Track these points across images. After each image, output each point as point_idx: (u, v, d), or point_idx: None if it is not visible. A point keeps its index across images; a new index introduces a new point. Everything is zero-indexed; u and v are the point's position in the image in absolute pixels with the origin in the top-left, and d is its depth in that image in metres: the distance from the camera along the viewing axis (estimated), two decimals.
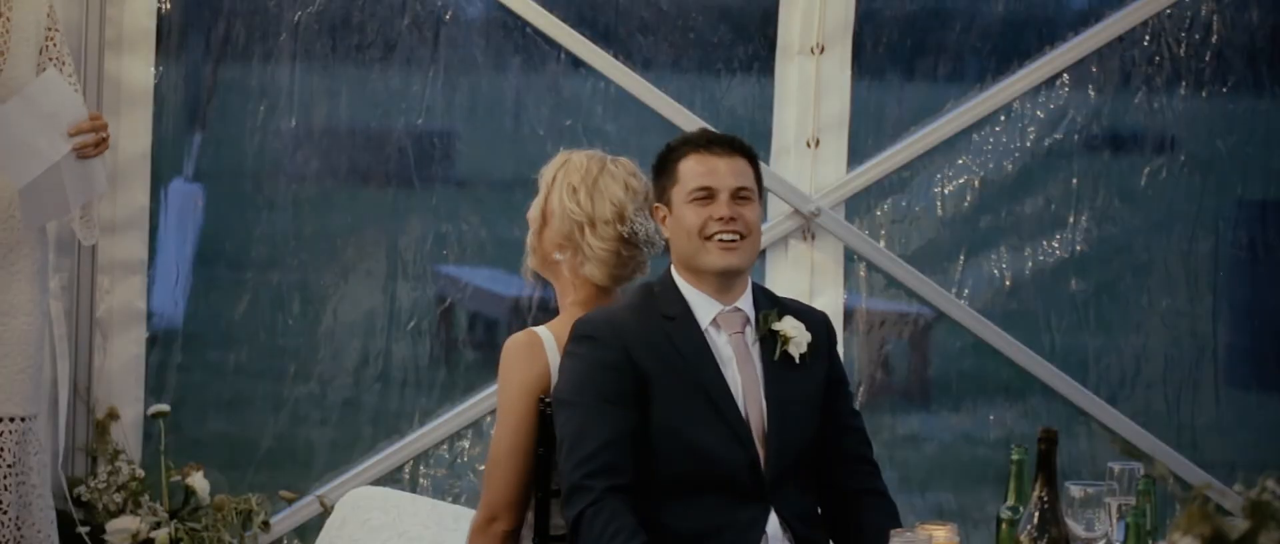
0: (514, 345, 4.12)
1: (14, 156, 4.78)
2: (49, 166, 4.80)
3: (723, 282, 4.05)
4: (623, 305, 4.08)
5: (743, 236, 4.01)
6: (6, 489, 4.94)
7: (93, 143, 4.85)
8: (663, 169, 4.09)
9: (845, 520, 4.11)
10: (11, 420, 4.96)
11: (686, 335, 4.01)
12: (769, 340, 4.05)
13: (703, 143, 4.08)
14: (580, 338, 3.99)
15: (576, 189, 4.17)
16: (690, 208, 4.01)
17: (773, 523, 3.98)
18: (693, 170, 4.03)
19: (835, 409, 4.12)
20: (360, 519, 4.43)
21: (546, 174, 4.26)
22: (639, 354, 3.96)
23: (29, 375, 4.99)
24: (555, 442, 4.00)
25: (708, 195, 4.01)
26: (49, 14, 4.99)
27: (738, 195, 4.02)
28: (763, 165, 4.25)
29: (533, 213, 4.27)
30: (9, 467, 4.93)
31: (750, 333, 4.06)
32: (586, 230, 4.16)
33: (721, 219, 3.99)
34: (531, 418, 4.08)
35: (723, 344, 4.03)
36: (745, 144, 4.11)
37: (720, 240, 4.00)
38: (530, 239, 4.28)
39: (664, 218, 4.08)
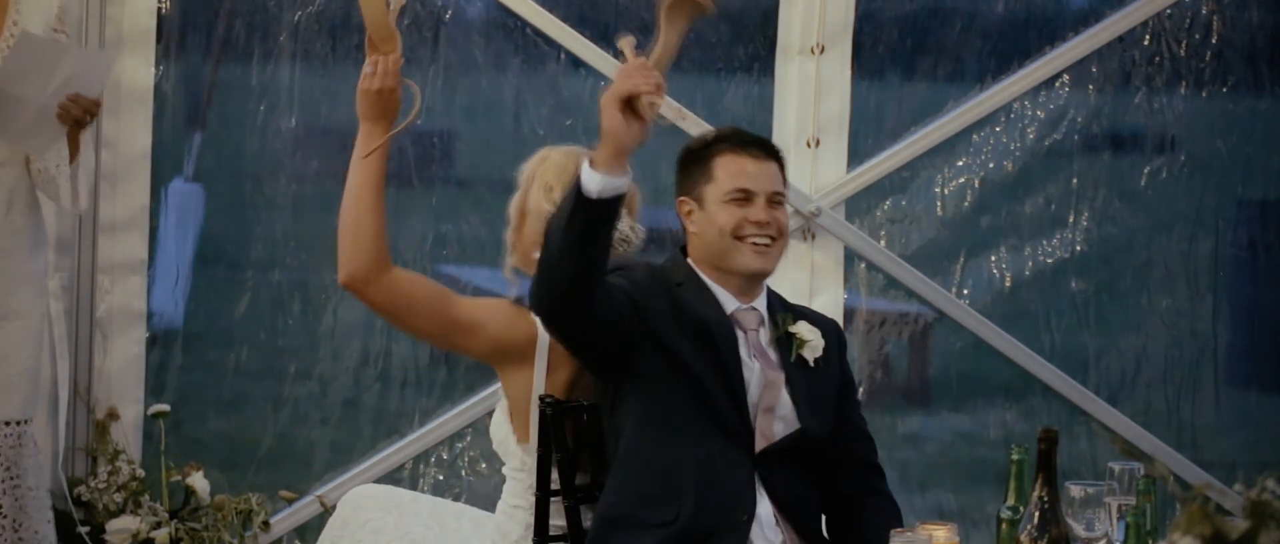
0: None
1: (17, 72, 4.65)
2: (22, 102, 4.66)
3: (747, 282, 4.05)
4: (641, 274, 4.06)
5: (774, 240, 4.00)
6: (4, 493, 4.91)
7: (75, 114, 4.68)
8: (695, 164, 4.05)
9: (848, 522, 4.13)
10: (7, 424, 4.91)
11: (701, 301, 4.00)
12: (785, 342, 4.06)
13: (740, 143, 4.04)
14: (611, 270, 3.95)
15: (552, 187, 4.16)
16: (725, 208, 3.99)
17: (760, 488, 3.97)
18: (731, 170, 4.00)
19: (846, 414, 4.15)
20: (361, 520, 4.42)
21: (525, 171, 4.26)
22: (651, 304, 3.94)
23: (26, 379, 4.94)
24: (555, 444, 4.00)
25: (745, 198, 3.99)
26: (58, 15, 4.96)
27: (773, 200, 4.01)
28: None
29: (512, 210, 4.27)
30: (4, 470, 4.90)
31: (764, 333, 4.06)
32: None
33: (758, 223, 3.98)
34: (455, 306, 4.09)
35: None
36: (776, 147, 4.10)
37: (754, 243, 3.98)
38: (510, 235, 4.27)
39: (689, 212, 4.05)
